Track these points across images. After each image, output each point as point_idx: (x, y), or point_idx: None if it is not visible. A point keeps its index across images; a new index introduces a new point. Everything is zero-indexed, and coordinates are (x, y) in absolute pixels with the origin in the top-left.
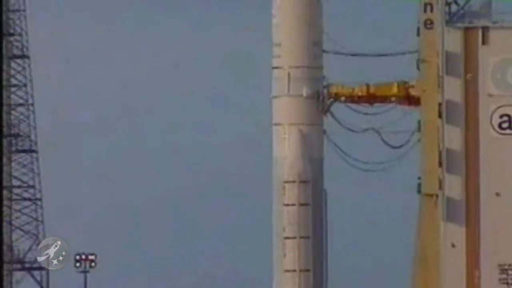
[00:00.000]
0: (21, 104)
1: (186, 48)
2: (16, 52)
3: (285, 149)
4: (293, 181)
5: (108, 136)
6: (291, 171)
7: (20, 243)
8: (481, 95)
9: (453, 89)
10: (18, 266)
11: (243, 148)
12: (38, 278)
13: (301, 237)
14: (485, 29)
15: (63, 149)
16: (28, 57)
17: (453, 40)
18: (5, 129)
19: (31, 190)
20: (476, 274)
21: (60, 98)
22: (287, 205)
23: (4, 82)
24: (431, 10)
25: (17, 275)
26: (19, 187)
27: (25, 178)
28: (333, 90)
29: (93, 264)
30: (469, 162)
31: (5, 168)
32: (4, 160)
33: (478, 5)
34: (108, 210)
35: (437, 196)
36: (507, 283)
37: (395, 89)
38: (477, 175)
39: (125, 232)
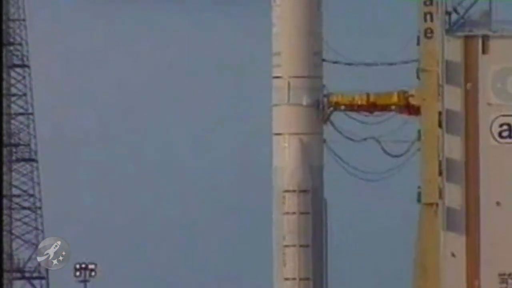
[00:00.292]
0: (21, 113)
1: (188, 55)
2: (16, 61)
3: (285, 158)
4: (293, 191)
5: (108, 145)
6: (291, 180)
7: (20, 252)
8: (481, 104)
9: (453, 98)
10: (18, 275)
11: (242, 157)
12: (38, 287)
13: (301, 246)
14: (485, 38)
15: (63, 158)
16: (28, 66)
17: (453, 49)
18: (5, 138)
19: (31, 199)
20: (476, 284)
21: (60, 107)
22: (287, 213)
23: (4, 91)
24: (431, 19)
25: (17, 284)
26: (19, 196)
27: (25, 187)
28: (333, 99)
29: (93, 273)
30: (469, 171)
31: (5, 177)
32: (4, 169)
33: (478, 14)
34: (108, 219)
35: (437, 205)
36: None
37: (395, 98)
38: (477, 184)
39: (125, 241)
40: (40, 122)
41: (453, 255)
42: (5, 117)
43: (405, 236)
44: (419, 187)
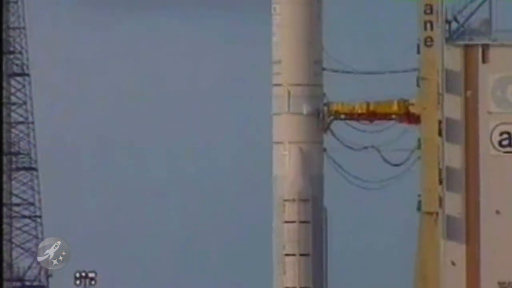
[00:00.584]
0: (21, 122)
1: (188, 63)
2: (16, 70)
3: (285, 167)
4: (293, 199)
5: (107, 154)
6: (291, 189)
7: (20, 261)
8: (481, 112)
9: (453, 107)
10: (18, 284)
11: (242, 165)
12: None
13: (301, 255)
14: (485, 46)
15: (63, 166)
16: (28, 75)
17: (453, 58)
18: (5, 147)
19: (31, 208)
20: None
21: (60, 116)
22: (287, 222)
23: (4, 100)
24: (431, 28)
25: None
26: (19, 204)
27: (25, 196)
28: (333, 107)
29: (93, 282)
30: (469, 180)
31: (5, 186)
32: (4, 178)
33: (478, 23)
34: (108, 228)
35: (437, 214)
36: None
37: (395, 107)
38: (477, 192)
39: (126, 249)
40: (40, 131)
41: (453, 263)
42: (5, 126)
43: (405, 245)
44: (419, 196)
